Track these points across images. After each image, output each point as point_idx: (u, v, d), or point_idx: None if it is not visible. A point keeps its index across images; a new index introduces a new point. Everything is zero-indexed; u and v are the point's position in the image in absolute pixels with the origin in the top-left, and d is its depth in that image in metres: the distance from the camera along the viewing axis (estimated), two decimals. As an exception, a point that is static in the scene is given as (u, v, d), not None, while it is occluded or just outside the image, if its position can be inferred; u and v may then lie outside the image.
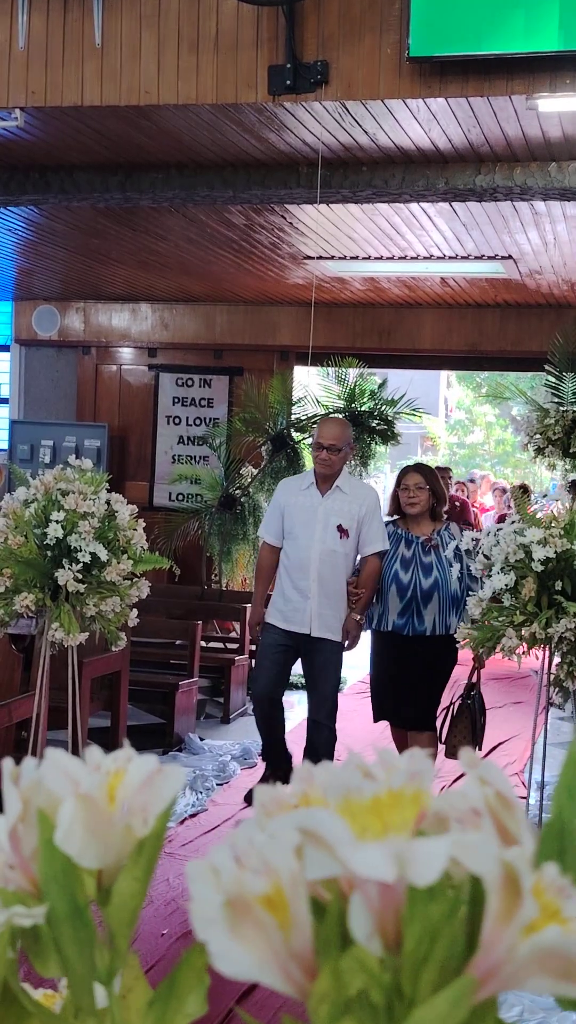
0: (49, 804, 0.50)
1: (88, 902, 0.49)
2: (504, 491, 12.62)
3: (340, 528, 5.06)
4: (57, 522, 4.12)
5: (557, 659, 4.41)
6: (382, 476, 20.44)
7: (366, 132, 4.85)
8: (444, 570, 4.97)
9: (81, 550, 4.12)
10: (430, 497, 5.10)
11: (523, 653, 4.38)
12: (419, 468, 5.29)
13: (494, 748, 6.48)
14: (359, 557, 5.15)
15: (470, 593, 4.76)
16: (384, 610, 5.05)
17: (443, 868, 0.36)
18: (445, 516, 5.31)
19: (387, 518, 5.27)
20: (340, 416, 6.93)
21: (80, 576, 4.12)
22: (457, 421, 24.96)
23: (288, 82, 4.43)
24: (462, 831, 0.40)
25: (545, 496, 4.95)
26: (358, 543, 5.11)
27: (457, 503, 10.13)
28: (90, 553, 4.12)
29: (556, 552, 4.15)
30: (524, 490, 9.32)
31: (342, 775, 0.42)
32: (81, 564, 4.11)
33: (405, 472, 5.23)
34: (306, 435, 8.02)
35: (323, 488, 5.14)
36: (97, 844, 0.47)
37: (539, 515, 4.41)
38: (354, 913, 0.39)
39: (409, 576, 4.99)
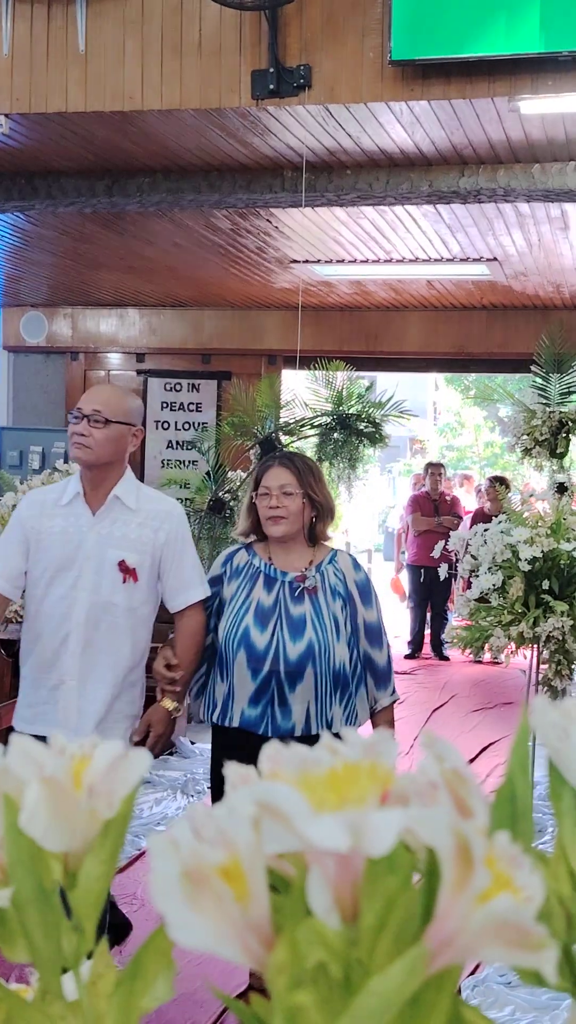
0: (15, 789, 0.50)
1: (55, 886, 0.49)
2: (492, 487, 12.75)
3: (123, 566, 3.08)
4: (44, 527, 4.10)
5: (545, 657, 4.43)
6: (367, 481, 20.36)
7: (350, 135, 4.87)
8: (324, 629, 3.08)
9: (69, 555, 4.10)
10: (306, 508, 3.14)
11: (511, 653, 4.40)
12: (287, 461, 3.22)
13: (484, 749, 6.49)
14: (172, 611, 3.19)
15: (371, 664, 3.15)
16: (228, 693, 3.13)
17: (396, 838, 0.37)
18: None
19: (242, 540, 3.30)
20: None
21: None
22: (446, 424, 25.01)
23: (271, 86, 4.44)
24: (420, 805, 0.40)
25: (532, 496, 4.93)
26: (159, 591, 3.15)
27: (448, 497, 10.09)
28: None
29: (543, 551, 4.17)
30: (502, 482, 9.35)
31: (304, 751, 0.43)
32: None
33: (266, 468, 3.19)
34: (294, 438, 8.04)
35: (93, 501, 3.14)
36: (62, 827, 0.47)
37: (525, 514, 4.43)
38: (312, 886, 0.39)
39: (268, 638, 3.08)
